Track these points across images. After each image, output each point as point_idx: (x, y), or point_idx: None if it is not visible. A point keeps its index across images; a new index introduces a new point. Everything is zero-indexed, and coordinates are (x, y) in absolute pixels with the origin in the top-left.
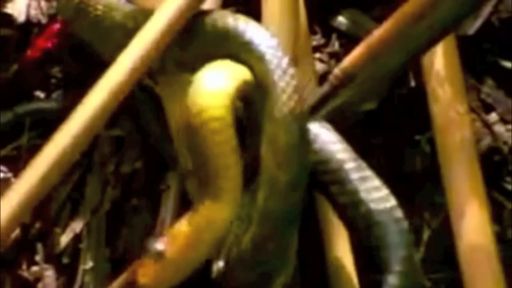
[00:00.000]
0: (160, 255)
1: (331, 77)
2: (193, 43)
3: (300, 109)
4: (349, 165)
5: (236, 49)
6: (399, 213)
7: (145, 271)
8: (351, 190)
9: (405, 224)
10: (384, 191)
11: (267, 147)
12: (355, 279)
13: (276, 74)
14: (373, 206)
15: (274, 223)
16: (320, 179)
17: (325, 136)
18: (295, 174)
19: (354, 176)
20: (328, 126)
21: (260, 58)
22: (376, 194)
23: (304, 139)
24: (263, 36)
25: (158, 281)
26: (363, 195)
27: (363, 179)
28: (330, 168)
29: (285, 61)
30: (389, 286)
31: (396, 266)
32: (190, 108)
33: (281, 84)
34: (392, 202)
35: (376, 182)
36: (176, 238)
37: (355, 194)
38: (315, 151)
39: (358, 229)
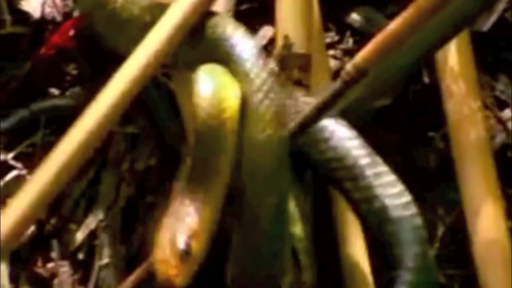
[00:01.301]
0: (187, 254)
1: (343, 73)
2: (197, 45)
3: (278, 136)
4: (364, 161)
5: (226, 59)
6: (413, 209)
7: (177, 272)
8: (365, 185)
9: (419, 220)
10: (399, 187)
11: (246, 172)
12: (369, 276)
13: (257, 98)
14: (387, 201)
15: (260, 243)
16: (335, 175)
17: (340, 132)
18: (276, 202)
19: (368, 172)
20: (343, 122)
21: (244, 75)
22: (391, 189)
23: (284, 165)
24: (251, 53)
25: (188, 278)
26: (378, 190)
27: (378, 174)
28: (344, 164)
29: (268, 83)
30: (403, 283)
31: (410, 263)
32: (208, 109)
33: (261, 108)
34: (407, 197)
35: (391, 177)
36: (194, 236)
37: (369, 190)
38: (330, 148)
39: (372, 225)
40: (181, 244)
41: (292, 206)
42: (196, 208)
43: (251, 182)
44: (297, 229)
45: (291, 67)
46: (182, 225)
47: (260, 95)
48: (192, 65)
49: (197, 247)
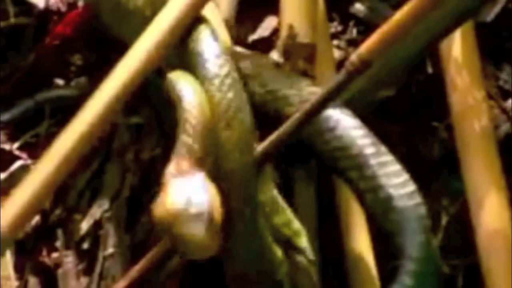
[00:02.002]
0: (212, 223)
1: (347, 64)
2: (182, 55)
3: (241, 165)
4: (369, 150)
5: (198, 75)
6: (418, 199)
7: (209, 239)
8: (370, 175)
9: (423, 210)
10: (404, 176)
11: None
12: (373, 266)
13: (220, 125)
14: (392, 191)
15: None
16: (340, 165)
17: (345, 122)
18: (248, 214)
19: (373, 161)
20: (348, 112)
21: (210, 96)
22: (395, 179)
23: (251, 185)
24: (217, 73)
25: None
26: (382, 180)
27: (383, 164)
28: (349, 153)
29: (232, 108)
30: (406, 272)
31: (414, 252)
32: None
33: (223, 138)
34: (411, 187)
35: (396, 167)
36: (212, 207)
37: (374, 179)
38: (336, 137)
39: (377, 214)
40: (205, 214)
41: (276, 195)
42: (204, 184)
43: (226, 194)
44: (282, 218)
45: (296, 57)
46: (200, 197)
47: (222, 124)
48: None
49: (217, 216)
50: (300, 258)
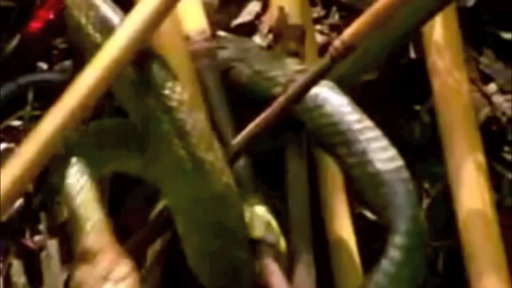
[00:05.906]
0: None
1: (331, 49)
2: None
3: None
4: (357, 126)
5: None
6: (405, 173)
7: None
8: (358, 150)
9: (411, 185)
10: (392, 151)
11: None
12: (354, 249)
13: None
14: (380, 165)
15: None
16: (328, 141)
17: (333, 99)
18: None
19: (361, 137)
20: (336, 88)
21: None
22: (383, 154)
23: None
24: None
25: None
26: (370, 155)
27: (371, 139)
28: (338, 130)
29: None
30: (395, 246)
31: (403, 226)
32: None
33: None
34: (399, 162)
35: (383, 142)
36: None
37: (362, 155)
38: (324, 114)
39: (365, 189)
40: None
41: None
42: None
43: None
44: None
45: (286, 39)
46: None
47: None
48: None
49: None
50: (271, 254)
